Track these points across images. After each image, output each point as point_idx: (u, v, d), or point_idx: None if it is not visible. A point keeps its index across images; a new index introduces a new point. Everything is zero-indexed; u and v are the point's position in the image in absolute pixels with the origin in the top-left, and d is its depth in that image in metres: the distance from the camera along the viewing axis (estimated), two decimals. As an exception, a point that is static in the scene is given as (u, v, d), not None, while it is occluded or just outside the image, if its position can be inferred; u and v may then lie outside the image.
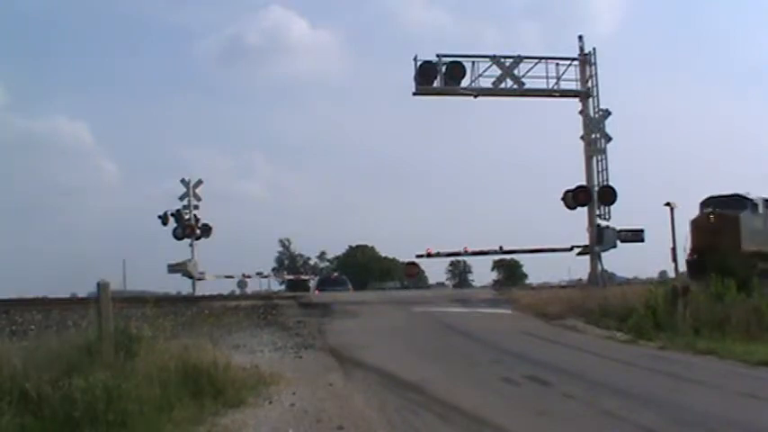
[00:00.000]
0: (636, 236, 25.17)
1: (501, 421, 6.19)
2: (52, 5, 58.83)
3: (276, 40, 66.42)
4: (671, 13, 71.84)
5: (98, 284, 7.22)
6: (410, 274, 33.46)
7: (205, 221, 24.89)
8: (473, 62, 20.14)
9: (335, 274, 38.47)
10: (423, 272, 45.01)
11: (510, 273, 56.14)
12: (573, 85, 20.66)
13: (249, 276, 29.08)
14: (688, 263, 24.21)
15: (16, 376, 5.89)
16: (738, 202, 24.53)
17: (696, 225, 23.70)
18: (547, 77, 20.39)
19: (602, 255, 20.58)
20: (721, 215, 23.12)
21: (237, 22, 65.95)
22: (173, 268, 24.45)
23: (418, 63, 19.69)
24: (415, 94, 20.00)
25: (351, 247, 63.28)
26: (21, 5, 54.99)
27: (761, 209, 24.86)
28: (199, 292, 22.79)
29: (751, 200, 24.86)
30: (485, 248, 23.84)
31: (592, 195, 20.41)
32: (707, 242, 22.54)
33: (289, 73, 62.30)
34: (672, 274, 20.28)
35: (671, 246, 20.55)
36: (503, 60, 20.28)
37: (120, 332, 7.07)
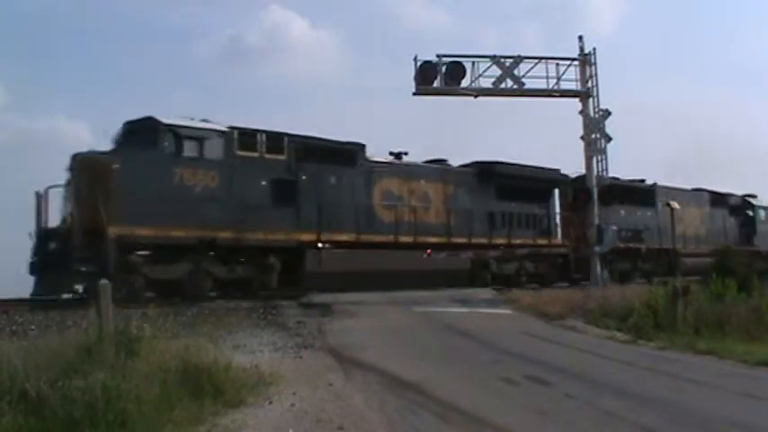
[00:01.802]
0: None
1: (501, 421, 6.19)
2: (52, 5, 58.88)
3: (276, 40, 66.44)
4: (672, 13, 71.86)
5: (98, 285, 7.22)
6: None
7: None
8: (473, 62, 20.15)
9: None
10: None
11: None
12: (573, 86, 20.70)
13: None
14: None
15: (16, 376, 5.89)
16: (149, 132, 13.85)
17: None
18: (547, 77, 20.42)
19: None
20: (86, 162, 13.16)
21: (237, 22, 65.99)
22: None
23: (418, 63, 19.72)
24: (414, 94, 19.98)
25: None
26: (21, 5, 55.04)
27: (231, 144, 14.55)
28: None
29: (168, 126, 13.93)
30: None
31: (592, 195, 20.46)
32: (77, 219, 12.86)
33: (289, 73, 62.35)
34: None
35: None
36: (503, 60, 20.29)
37: (120, 332, 7.08)
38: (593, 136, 20.49)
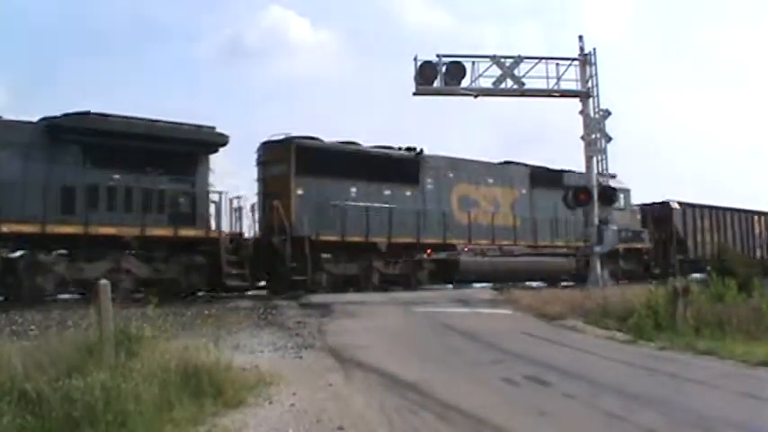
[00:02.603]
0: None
1: (501, 421, 6.19)
2: (53, 4, 58.90)
3: (276, 40, 66.46)
4: (674, 12, 71.88)
5: (98, 284, 7.21)
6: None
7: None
8: (473, 62, 20.22)
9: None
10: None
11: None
12: (573, 86, 20.74)
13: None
14: None
15: (16, 376, 5.89)
16: None
17: None
18: (547, 78, 20.49)
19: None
20: None
21: (237, 22, 66.03)
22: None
23: (418, 63, 19.74)
24: (414, 94, 20.03)
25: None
26: (20, 4, 55.03)
27: None
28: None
29: None
30: (484, 248, 23.55)
31: (592, 195, 20.46)
32: None
33: (289, 73, 62.36)
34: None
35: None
36: (503, 60, 20.33)
37: (120, 332, 7.08)
38: (593, 136, 20.52)
